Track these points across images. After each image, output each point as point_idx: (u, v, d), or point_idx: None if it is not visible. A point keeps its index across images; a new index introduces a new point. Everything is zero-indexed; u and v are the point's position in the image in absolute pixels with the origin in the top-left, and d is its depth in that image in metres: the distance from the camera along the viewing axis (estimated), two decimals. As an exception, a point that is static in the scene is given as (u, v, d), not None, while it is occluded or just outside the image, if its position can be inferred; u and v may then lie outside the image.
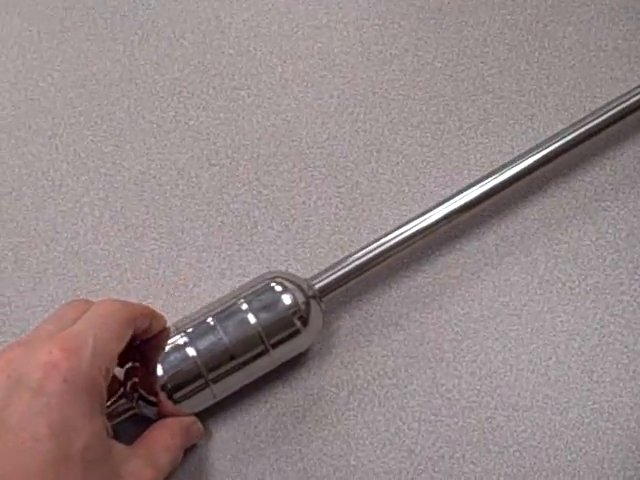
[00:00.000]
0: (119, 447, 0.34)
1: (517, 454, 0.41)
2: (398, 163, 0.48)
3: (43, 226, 0.47)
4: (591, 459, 0.41)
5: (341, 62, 0.51)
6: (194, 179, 0.48)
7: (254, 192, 0.47)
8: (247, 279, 0.45)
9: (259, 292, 0.40)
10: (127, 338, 0.36)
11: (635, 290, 0.44)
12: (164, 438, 0.37)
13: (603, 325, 0.44)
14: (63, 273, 0.46)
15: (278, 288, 0.40)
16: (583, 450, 0.41)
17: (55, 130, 0.49)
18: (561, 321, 0.44)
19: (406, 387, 0.43)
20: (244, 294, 0.40)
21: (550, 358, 0.43)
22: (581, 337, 0.43)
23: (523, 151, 0.47)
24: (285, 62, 0.51)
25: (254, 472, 0.41)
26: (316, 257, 0.46)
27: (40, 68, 0.51)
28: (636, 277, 0.45)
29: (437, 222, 0.43)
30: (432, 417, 0.42)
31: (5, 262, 0.46)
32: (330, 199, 0.47)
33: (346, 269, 0.42)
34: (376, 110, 0.49)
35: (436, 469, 0.41)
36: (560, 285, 0.45)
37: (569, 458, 0.41)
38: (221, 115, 0.49)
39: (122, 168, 0.48)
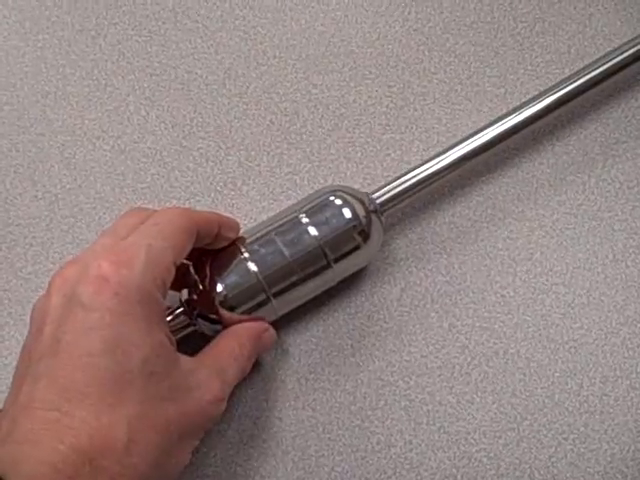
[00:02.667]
0: (185, 359, 0.33)
1: (572, 350, 0.40)
2: (450, 63, 0.47)
3: (89, 125, 0.46)
4: (648, 356, 0.40)
5: (392, -39, 0.49)
6: (241, 78, 0.47)
7: (303, 92, 0.46)
8: (296, 177, 0.44)
9: (319, 206, 0.38)
10: (187, 247, 0.34)
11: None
12: (231, 347, 0.35)
13: (662, 224, 0.43)
14: (110, 171, 0.45)
15: (338, 202, 0.38)
16: (641, 347, 0.40)
17: (99, 30, 0.48)
18: (619, 220, 0.43)
19: (459, 284, 0.42)
20: (304, 208, 0.38)
21: (607, 256, 0.42)
22: (639, 235, 0.42)
23: (581, 52, 0.46)
24: (334, -40, 0.49)
25: (305, 366, 0.40)
26: (366, 156, 0.45)
27: (83, -32, 0.50)
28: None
29: (497, 138, 0.42)
30: (486, 314, 0.41)
31: (51, 160, 0.45)
32: (381, 98, 0.46)
33: (407, 184, 0.41)
34: (428, 9, 0.48)
35: (490, 364, 0.40)
36: (618, 185, 0.44)
37: (626, 355, 0.40)
38: (269, 15, 0.48)
39: (168, 67, 0.47)
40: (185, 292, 0.38)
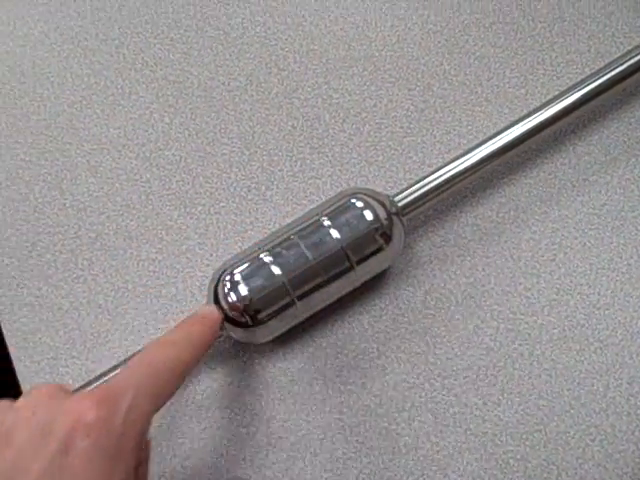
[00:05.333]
0: None
1: (598, 351, 0.41)
2: (471, 65, 0.47)
3: (114, 133, 0.47)
4: (675, 356, 0.40)
5: (410, -36, 0.49)
6: (263, 84, 0.47)
7: (324, 96, 0.47)
8: (319, 181, 0.45)
9: (341, 208, 0.38)
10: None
11: None
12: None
13: (687, 223, 0.43)
14: (135, 178, 0.46)
15: (360, 204, 0.38)
16: (667, 346, 0.40)
17: (122, 39, 0.49)
18: (643, 219, 0.43)
19: (483, 286, 0.42)
20: (326, 211, 0.39)
21: (631, 257, 0.42)
22: (664, 235, 0.42)
23: (601, 50, 0.46)
24: (353, -35, 0.50)
25: (331, 369, 0.41)
26: (388, 159, 0.45)
27: (105, -23, 0.51)
28: None
29: (520, 138, 0.41)
30: (510, 315, 0.41)
31: (79, 169, 0.46)
32: (402, 102, 0.46)
33: (429, 186, 0.41)
34: (447, 11, 0.48)
35: (515, 366, 0.41)
36: (641, 184, 0.44)
37: (652, 355, 0.40)
38: (288, 20, 0.49)
39: (190, 75, 0.48)
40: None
